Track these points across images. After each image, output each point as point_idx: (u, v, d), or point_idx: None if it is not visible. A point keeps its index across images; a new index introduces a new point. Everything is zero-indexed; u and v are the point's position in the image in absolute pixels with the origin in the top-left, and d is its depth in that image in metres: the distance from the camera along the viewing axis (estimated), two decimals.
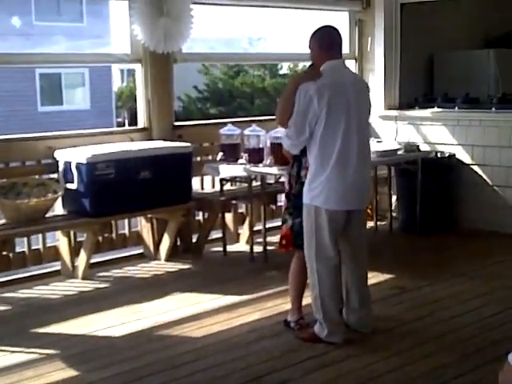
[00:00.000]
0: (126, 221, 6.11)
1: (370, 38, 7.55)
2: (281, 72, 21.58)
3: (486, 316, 4.63)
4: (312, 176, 4.09)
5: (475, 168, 7.03)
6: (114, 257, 6.10)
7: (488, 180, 6.96)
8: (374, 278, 4.71)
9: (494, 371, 3.75)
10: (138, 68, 6.16)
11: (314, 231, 4.09)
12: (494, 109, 7.08)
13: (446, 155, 7.07)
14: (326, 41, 4.16)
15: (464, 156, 7.07)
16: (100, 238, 5.83)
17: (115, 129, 7.00)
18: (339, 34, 4.23)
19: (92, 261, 5.73)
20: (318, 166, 4.05)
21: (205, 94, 21.67)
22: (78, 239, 5.72)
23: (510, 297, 5.01)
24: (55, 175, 5.60)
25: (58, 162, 5.51)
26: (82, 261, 5.57)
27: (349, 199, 4.11)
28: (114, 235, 6.05)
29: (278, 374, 3.82)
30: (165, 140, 6.03)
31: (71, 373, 3.90)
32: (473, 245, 6.51)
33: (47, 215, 5.42)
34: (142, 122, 6.21)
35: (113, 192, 5.44)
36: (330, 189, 4.05)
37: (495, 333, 4.35)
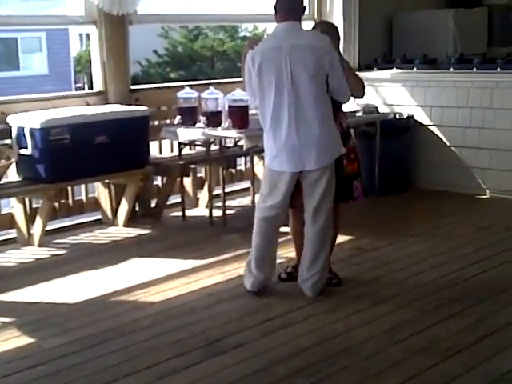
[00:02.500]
0: (83, 186, 6.02)
1: None
2: (241, 34, 21.40)
3: (441, 275, 4.68)
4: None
5: (433, 129, 7.06)
6: (71, 223, 6.03)
7: (446, 140, 7.00)
8: None
9: (449, 328, 3.85)
10: (92, 30, 6.02)
11: (266, 186, 4.34)
12: (451, 69, 7.11)
13: (405, 116, 7.08)
14: (279, 3, 4.21)
15: (422, 117, 7.09)
16: (56, 205, 5.75)
17: (70, 93, 6.85)
18: None
19: (48, 228, 5.65)
20: (264, 128, 4.29)
21: (165, 58, 21.42)
22: (34, 206, 5.63)
23: (465, 255, 5.07)
24: (8, 141, 5.48)
25: (10, 127, 5.39)
26: (37, 228, 5.49)
27: (284, 160, 4.21)
28: (70, 201, 5.96)
29: (236, 336, 3.82)
30: (121, 104, 5.93)
31: (27, 340, 3.85)
32: (430, 205, 6.57)
33: (1, 182, 5.31)
34: (97, 85, 6.09)
35: (68, 157, 5.34)
36: (268, 149, 4.30)
37: (451, 291, 4.40)
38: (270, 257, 4.46)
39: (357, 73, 4.64)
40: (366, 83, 6.63)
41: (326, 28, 4.56)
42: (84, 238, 5.79)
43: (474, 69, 6.98)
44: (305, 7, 4.37)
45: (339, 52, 4.42)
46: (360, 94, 4.44)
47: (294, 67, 4.08)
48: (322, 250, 4.33)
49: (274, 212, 4.31)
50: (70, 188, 5.85)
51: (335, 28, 4.60)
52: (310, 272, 4.34)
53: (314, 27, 4.65)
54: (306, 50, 4.10)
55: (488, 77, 6.76)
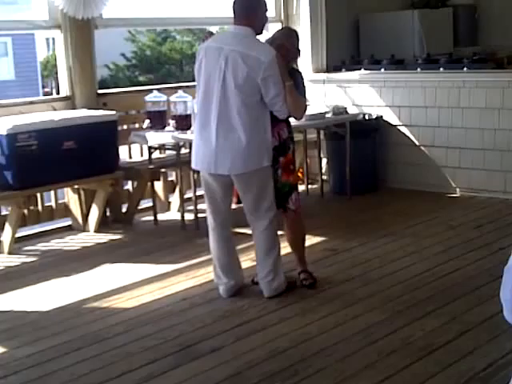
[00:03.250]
0: (52, 193, 5.96)
1: (295, 1, 7.49)
2: None
3: (414, 274, 4.71)
4: None
5: (402, 129, 7.10)
6: (41, 230, 5.97)
7: (415, 140, 7.05)
8: (307, 240, 4.71)
9: (423, 328, 3.87)
10: (57, 35, 5.97)
11: (204, 194, 4.41)
12: (419, 69, 7.16)
13: (374, 117, 7.12)
14: (233, 5, 4.20)
15: (391, 117, 7.13)
16: (25, 211, 5.67)
17: (36, 98, 6.76)
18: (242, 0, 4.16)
19: (18, 235, 5.59)
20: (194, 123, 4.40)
21: (133, 62, 21.30)
22: (3, 213, 5.56)
23: (436, 255, 5.10)
24: None
25: None
26: (7, 235, 5.42)
27: (199, 160, 4.25)
28: (39, 208, 5.90)
29: (210, 341, 3.80)
30: (89, 108, 5.88)
31: None
32: (401, 204, 6.60)
33: None
34: (64, 90, 6.04)
35: (36, 163, 5.29)
36: (193, 149, 4.32)
37: (422, 290, 4.42)
38: (233, 262, 4.48)
39: (303, 95, 4.41)
40: (334, 84, 6.67)
41: (287, 31, 4.61)
42: (54, 244, 5.73)
43: (441, 69, 7.04)
44: (260, 15, 4.19)
45: (296, 68, 4.44)
46: (297, 116, 4.34)
47: (226, 72, 4.06)
48: (269, 252, 4.32)
49: (218, 219, 4.36)
50: (39, 194, 5.79)
51: (294, 31, 4.62)
52: (262, 273, 4.37)
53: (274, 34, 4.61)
54: (241, 58, 4.03)
55: (455, 76, 6.82)
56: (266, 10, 4.28)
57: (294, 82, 4.24)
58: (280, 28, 5.24)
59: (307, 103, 4.47)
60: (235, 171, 4.17)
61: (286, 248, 4.64)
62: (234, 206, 4.49)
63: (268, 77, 4.04)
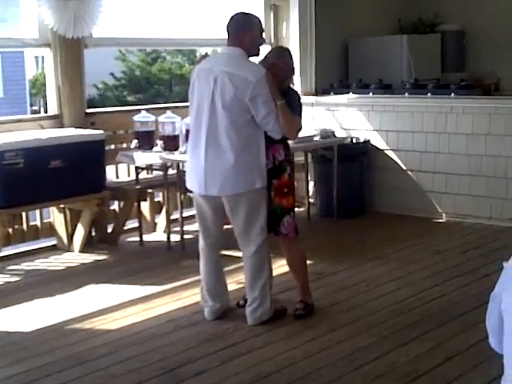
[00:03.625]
0: (38, 212, 5.92)
1: (285, 24, 7.54)
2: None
3: (399, 299, 4.69)
4: None
5: (389, 153, 7.13)
6: (26, 249, 5.91)
7: (402, 165, 7.07)
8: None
9: (408, 353, 3.85)
10: (46, 53, 5.96)
11: (196, 216, 4.44)
12: (406, 94, 7.21)
13: (361, 141, 7.14)
14: (227, 27, 4.22)
15: (379, 141, 7.16)
16: (10, 230, 5.63)
17: (24, 116, 6.75)
18: (233, 21, 4.19)
19: (2, 254, 5.54)
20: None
21: (122, 82, 21.30)
22: None
23: (422, 280, 5.10)
24: None
25: None
26: None
27: (192, 180, 4.26)
28: (24, 227, 5.86)
29: (194, 364, 3.77)
30: (77, 127, 5.87)
31: None
32: (388, 229, 6.61)
33: None
34: (52, 109, 6.02)
35: (22, 182, 5.26)
36: (187, 170, 4.37)
37: (408, 316, 4.41)
38: (220, 285, 4.45)
39: (297, 115, 4.30)
40: (322, 108, 6.68)
41: (278, 50, 4.63)
42: (39, 264, 5.68)
43: (429, 94, 7.09)
44: (250, 36, 4.15)
45: (291, 87, 4.38)
46: (290, 136, 4.29)
47: (214, 93, 4.08)
48: (257, 277, 4.26)
49: (208, 241, 4.37)
50: (24, 213, 5.75)
51: (286, 50, 4.62)
52: (248, 299, 4.32)
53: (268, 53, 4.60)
54: (228, 78, 4.04)
55: (442, 102, 6.86)
56: (261, 32, 4.27)
57: (289, 101, 4.20)
58: (273, 48, 5.22)
59: (302, 123, 4.36)
60: (225, 192, 4.14)
61: (281, 268, 4.63)
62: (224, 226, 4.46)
63: (257, 96, 4.03)
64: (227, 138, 4.07)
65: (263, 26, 4.34)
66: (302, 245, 4.50)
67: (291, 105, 4.21)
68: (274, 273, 4.65)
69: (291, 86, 4.45)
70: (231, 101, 4.05)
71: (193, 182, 4.25)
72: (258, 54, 4.30)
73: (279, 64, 4.28)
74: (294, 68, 4.40)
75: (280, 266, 4.85)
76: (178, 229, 6.05)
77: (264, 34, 4.35)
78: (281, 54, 4.42)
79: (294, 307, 4.45)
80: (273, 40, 7.58)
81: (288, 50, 4.58)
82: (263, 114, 4.07)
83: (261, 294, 4.27)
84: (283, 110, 4.11)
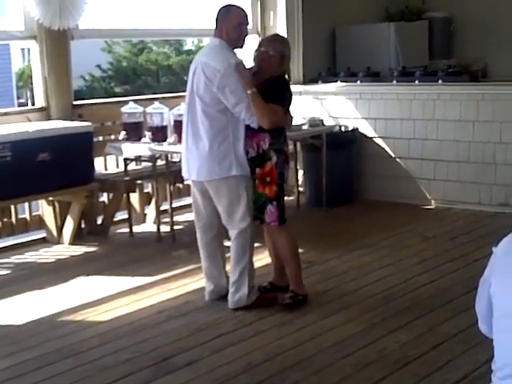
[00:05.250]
0: (27, 204, 5.90)
1: (272, 13, 7.52)
2: (186, 48, 21.36)
3: (389, 286, 4.72)
4: None
5: (378, 141, 7.15)
6: (15, 242, 5.89)
7: (390, 152, 7.09)
8: None
9: (398, 340, 3.88)
10: (32, 45, 5.92)
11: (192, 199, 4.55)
12: (394, 82, 7.22)
13: (350, 129, 7.15)
14: None
15: (367, 129, 7.17)
16: None
17: (11, 109, 6.70)
18: (219, 12, 4.26)
19: None
20: None
21: (109, 73, 21.20)
22: None
23: (411, 266, 5.13)
24: None
25: None
26: None
27: (184, 167, 4.41)
28: (13, 220, 5.84)
29: (186, 354, 3.78)
30: (64, 120, 5.84)
31: None
32: (377, 216, 6.63)
33: None
34: (39, 101, 5.99)
35: (10, 175, 5.23)
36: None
37: (398, 302, 4.44)
38: (215, 267, 4.49)
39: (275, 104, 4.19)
40: (311, 96, 6.67)
41: (270, 37, 4.64)
42: (29, 257, 5.66)
43: (416, 81, 7.11)
44: (227, 26, 4.17)
45: (282, 75, 4.31)
46: (263, 125, 4.17)
47: (193, 83, 4.24)
48: (237, 262, 4.34)
49: (199, 224, 4.48)
50: (12, 206, 5.73)
51: (278, 36, 4.67)
52: (230, 282, 4.42)
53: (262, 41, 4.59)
54: (202, 68, 4.17)
55: (430, 89, 6.88)
56: (243, 23, 4.26)
57: (272, 89, 4.19)
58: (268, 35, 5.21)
59: (282, 111, 4.23)
60: (201, 177, 4.30)
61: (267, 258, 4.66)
62: None
63: (224, 86, 4.10)
64: (202, 126, 4.22)
65: (248, 17, 4.33)
66: (290, 235, 4.46)
67: (272, 94, 4.18)
68: (267, 260, 4.69)
69: (287, 73, 4.38)
70: (203, 90, 4.17)
71: (183, 167, 4.44)
72: (242, 45, 4.31)
73: (269, 51, 4.25)
74: (286, 55, 4.29)
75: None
76: (167, 220, 6.05)
77: (249, 25, 4.35)
78: (272, 41, 4.39)
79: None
80: (260, 29, 7.56)
81: (281, 38, 4.57)
82: (232, 103, 4.13)
83: (239, 280, 4.35)
84: (253, 98, 4.11)
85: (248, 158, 4.25)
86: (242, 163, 4.23)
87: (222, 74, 4.09)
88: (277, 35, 4.93)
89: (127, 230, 6.19)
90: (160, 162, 5.96)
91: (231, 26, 4.19)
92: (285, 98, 4.32)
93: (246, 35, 4.31)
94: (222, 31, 4.20)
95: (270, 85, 4.21)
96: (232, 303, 4.36)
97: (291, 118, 4.47)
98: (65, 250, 5.80)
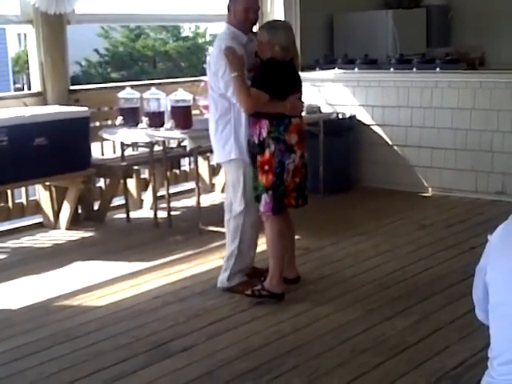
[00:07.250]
0: (23, 189, 5.89)
1: None
2: (183, 34, 21.29)
3: (385, 273, 4.72)
4: None
5: (375, 128, 7.14)
6: (12, 227, 5.89)
7: (388, 139, 7.08)
8: None
9: (394, 326, 3.89)
10: (29, 30, 5.89)
11: None
12: (392, 69, 7.20)
13: (347, 116, 7.14)
14: None
15: (364, 116, 7.16)
16: None
17: (7, 94, 6.69)
18: None
19: None
20: None
21: (105, 58, 21.14)
22: None
23: (408, 253, 5.13)
24: None
25: None
26: None
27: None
28: (10, 204, 5.82)
29: (182, 339, 3.78)
30: (61, 105, 5.82)
31: None
32: (374, 203, 6.63)
33: None
34: (36, 86, 5.97)
35: (7, 160, 5.21)
36: None
37: (394, 289, 4.44)
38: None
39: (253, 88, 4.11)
40: (308, 83, 6.64)
41: (265, 23, 4.52)
42: (25, 241, 5.66)
43: (414, 69, 7.09)
44: (233, 11, 4.23)
45: (275, 60, 4.15)
46: (244, 109, 4.14)
47: (207, 69, 4.41)
48: (228, 245, 4.45)
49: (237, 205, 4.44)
50: (9, 191, 5.71)
51: (274, 22, 4.54)
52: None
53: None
54: (209, 54, 4.41)
55: (427, 77, 6.86)
56: (251, 8, 4.25)
57: (257, 74, 4.17)
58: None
59: (259, 95, 4.07)
60: (216, 160, 4.56)
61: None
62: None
63: (217, 70, 4.20)
64: (212, 109, 4.37)
65: (258, 2, 4.39)
66: (278, 228, 4.30)
67: (256, 78, 4.17)
68: None
69: (289, 59, 4.24)
70: (209, 76, 4.31)
71: None
72: (249, 31, 4.34)
73: (259, 37, 4.22)
74: (277, 42, 4.12)
75: None
76: (164, 205, 6.04)
77: (259, 11, 4.39)
78: (263, 28, 4.32)
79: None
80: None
81: (273, 23, 4.41)
82: (223, 87, 4.20)
83: (227, 261, 4.45)
84: (234, 82, 4.11)
85: (251, 145, 4.23)
86: (240, 147, 4.25)
87: (214, 58, 4.23)
88: (274, 21, 4.85)
89: (124, 215, 6.19)
90: (157, 148, 5.95)
91: (238, 9, 4.24)
92: (271, 83, 4.14)
93: (256, 20, 4.33)
94: (231, 15, 4.28)
95: (258, 70, 4.24)
96: (218, 281, 4.47)
97: (293, 104, 4.22)
98: (61, 235, 5.80)
